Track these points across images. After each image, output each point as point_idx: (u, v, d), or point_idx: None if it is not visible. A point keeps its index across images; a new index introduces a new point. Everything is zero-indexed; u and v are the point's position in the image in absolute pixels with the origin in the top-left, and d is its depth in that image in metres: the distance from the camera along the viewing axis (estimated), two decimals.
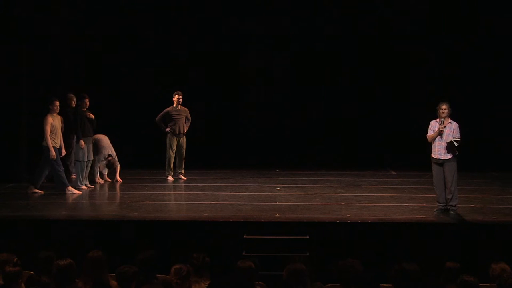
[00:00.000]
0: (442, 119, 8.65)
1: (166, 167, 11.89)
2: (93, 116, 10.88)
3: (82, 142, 10.63)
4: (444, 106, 8.68)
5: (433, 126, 8.79)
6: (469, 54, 13.57)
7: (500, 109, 13.52)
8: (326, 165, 13.41)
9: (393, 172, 13.16)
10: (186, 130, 11.95)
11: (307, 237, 8.01)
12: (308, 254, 7.68)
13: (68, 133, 10.77)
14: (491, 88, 13.57)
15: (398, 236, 8.11)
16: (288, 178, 12.20)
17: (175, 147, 11.86)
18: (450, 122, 8.70)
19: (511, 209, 9.18)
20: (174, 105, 11.88)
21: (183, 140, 11.94)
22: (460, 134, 8.67)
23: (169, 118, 11.88)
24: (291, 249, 7.75)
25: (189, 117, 12.01)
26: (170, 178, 11.87)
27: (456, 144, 8.57)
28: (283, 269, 5.13)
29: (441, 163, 8.70)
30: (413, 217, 8.63)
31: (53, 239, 7.93)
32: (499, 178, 12.24)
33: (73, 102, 11.03)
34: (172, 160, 11.90)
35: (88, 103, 10.91)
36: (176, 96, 11.86)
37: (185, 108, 11.98)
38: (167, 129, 11.87)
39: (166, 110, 11.91)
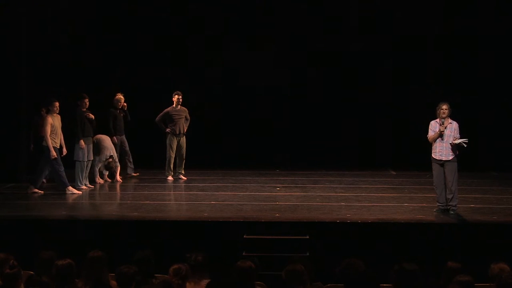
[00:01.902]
0: (443, 119, 8.64)
1: (166, 167, 11.89)
2: (92, 116, 10.89)
3: (82, 142, 10.63)
4: (444, 107, 8.67)
5: (433, 126, 8.77)
6: (469, 54, 13.55)
7: (500, 109, 13.50)
8: (326, 165, 13.41)
9: (393, 172, 13.16)
10: (185, 130, 11.94)
11: (307, 237, 8.01)
12: (308, 254, 7.67)
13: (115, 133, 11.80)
14: (491, 87, 13.55)
15: (398, 236, 8.11)
16: (288, 178, 12.20)
17: (175, 147, 11.85)
18: (450, 123, 8.69)
19: (511, 209, 9.18)
20: (174, 105, 11.88)
21: (183, 140, 11.93)
22: (460, 134, 8.67)
23: (169, 119, 11.87)
24: (291, 249, 7.74)
25: (188, 117, 12.00)
26: (170, 178, 11.87)
27: (465, 146, 8.56)
28: (283, 269, 5.13)
29: (442, 163, 8.70)
30: (413, 217, 8.64)
31: (53, 239, 7.92)
32: (499, 178, 12.25)
33: (120, 103, 11.74)
34: (172, 160, 11.90)
35: (88, 103, 10.92)
36: (176, 96, 11.86)
37: (184, 108, 11.97)
38: (167, 130, 11.87)
39: (165, 110, 11.91)
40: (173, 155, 11.86)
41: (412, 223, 8.34)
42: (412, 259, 5.20)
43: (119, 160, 11.83)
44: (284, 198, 10.08)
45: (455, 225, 8.31)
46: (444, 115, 8.64)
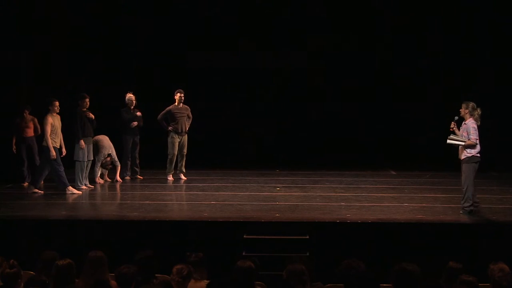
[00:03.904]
0: (456, 117, 8.68)
1: (167, 166, 11.86)
2: (93, 116, 10.88)
3: (82, 142, 10.63)
4: (462, 106, 8.69)
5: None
6: (470, 54, 13.56)
7: (500, 109, 13.50)
8: (326, 165, 13.41)
9: (393, 172, 13.15)
10: (187, 128, 11.91)
11: (307, 237, 8.01)
12: (308, 254, 7.67)
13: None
14: (491, 87, 13.55)
15: (398, 236, 8.11)
16: (288, 178, 12.19)
17: (177, 146, 11.82)
18: (465, 123, 8.66)
19: (511, 209, 9.18)
20: (176, 103, 11.84)
21: (185, 138, 11.89)
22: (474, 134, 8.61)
23: (171, 117, 11.81)
24: (291, 249, 7.74)
25: (190, 115, 11.96)
26: (170, 178, 11.86)
27: (449, 141, 8.55)
28: (283, 269, 5.13)
29: (460, 162, 8.72)
30: (413, 217, 8.63)
31: (53, 239, 7.93)
32: (499, 178, 12.24)
33: (133, 103, 11.86)
34: (174, 159, 11.86)
35: (88, 103, 10.91)
36: (178, 94, 11.81)
37: (186, 106, 11.93)
38: (169, 128, 11.82)
39: (168, 108, 11.86)
40: (175, 154, 11.83)
41: (412, 223, 8.33)
42: (412, 259, 5.21)
43: (128, 160, 11.86)
44: (284, 198, 10.07)
45: (455, 225, 8.30)
46: (461, 115, 8.66)
